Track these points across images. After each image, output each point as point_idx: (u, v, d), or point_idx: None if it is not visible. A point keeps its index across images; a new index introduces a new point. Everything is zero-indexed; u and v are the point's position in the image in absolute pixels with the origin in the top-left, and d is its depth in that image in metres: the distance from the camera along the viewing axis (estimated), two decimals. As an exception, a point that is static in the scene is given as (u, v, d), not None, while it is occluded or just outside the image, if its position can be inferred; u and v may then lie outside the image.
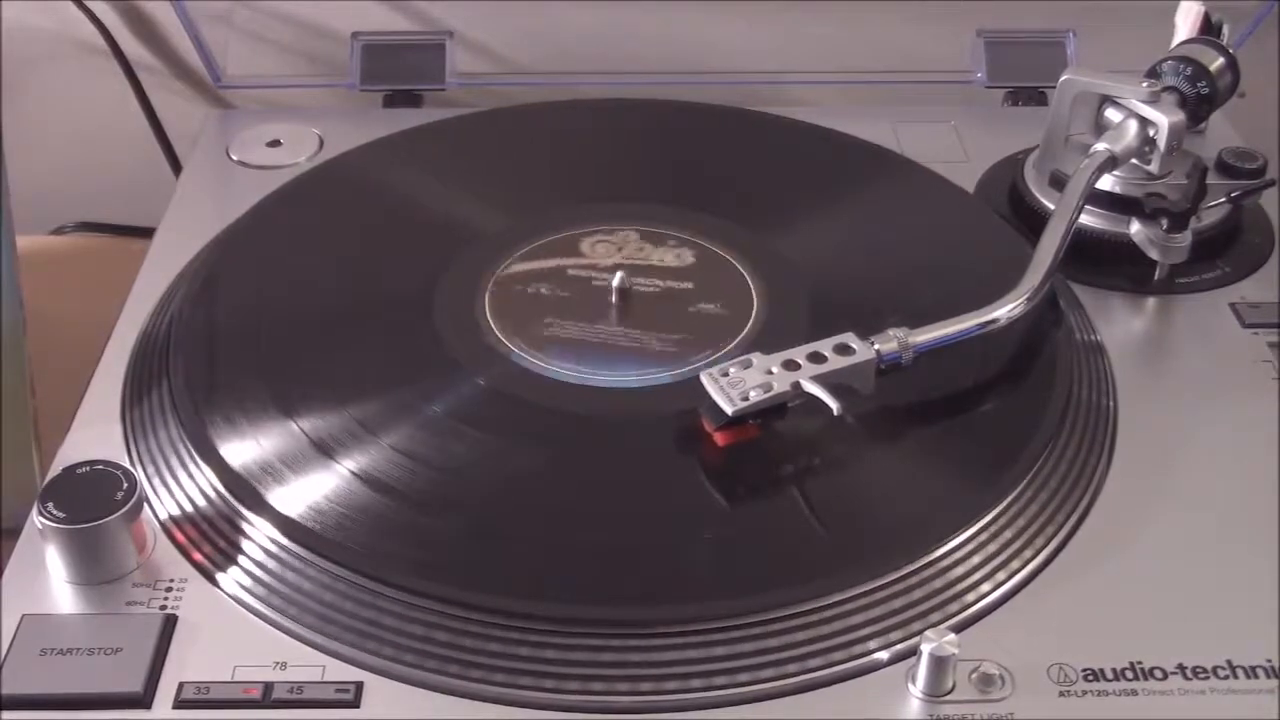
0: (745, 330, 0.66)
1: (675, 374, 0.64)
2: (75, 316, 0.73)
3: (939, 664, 0.51)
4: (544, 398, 0.62)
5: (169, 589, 0.55)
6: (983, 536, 0.56)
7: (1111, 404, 0.64)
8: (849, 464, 0.60)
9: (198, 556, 0.56)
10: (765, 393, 0.58)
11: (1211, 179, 0.73)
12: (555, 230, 0.72)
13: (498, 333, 0.66)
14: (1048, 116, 0.75)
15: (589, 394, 0.63)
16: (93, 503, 0.55)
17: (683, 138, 0.82)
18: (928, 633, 0.51)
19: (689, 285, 0.69)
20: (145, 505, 0.57)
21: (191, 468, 0.59)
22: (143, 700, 0.51)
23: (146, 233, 0.78)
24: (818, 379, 0.59)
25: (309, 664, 0.52)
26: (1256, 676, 0.52)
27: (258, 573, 0.55)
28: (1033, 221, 0.72)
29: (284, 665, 0.52)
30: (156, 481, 0.59)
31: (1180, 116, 0.71)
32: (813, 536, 0.56)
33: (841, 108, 0.88)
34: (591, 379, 0.63)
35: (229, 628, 0.54)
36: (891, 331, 0.61)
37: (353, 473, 0.58)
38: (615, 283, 0.68)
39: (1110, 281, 0.72)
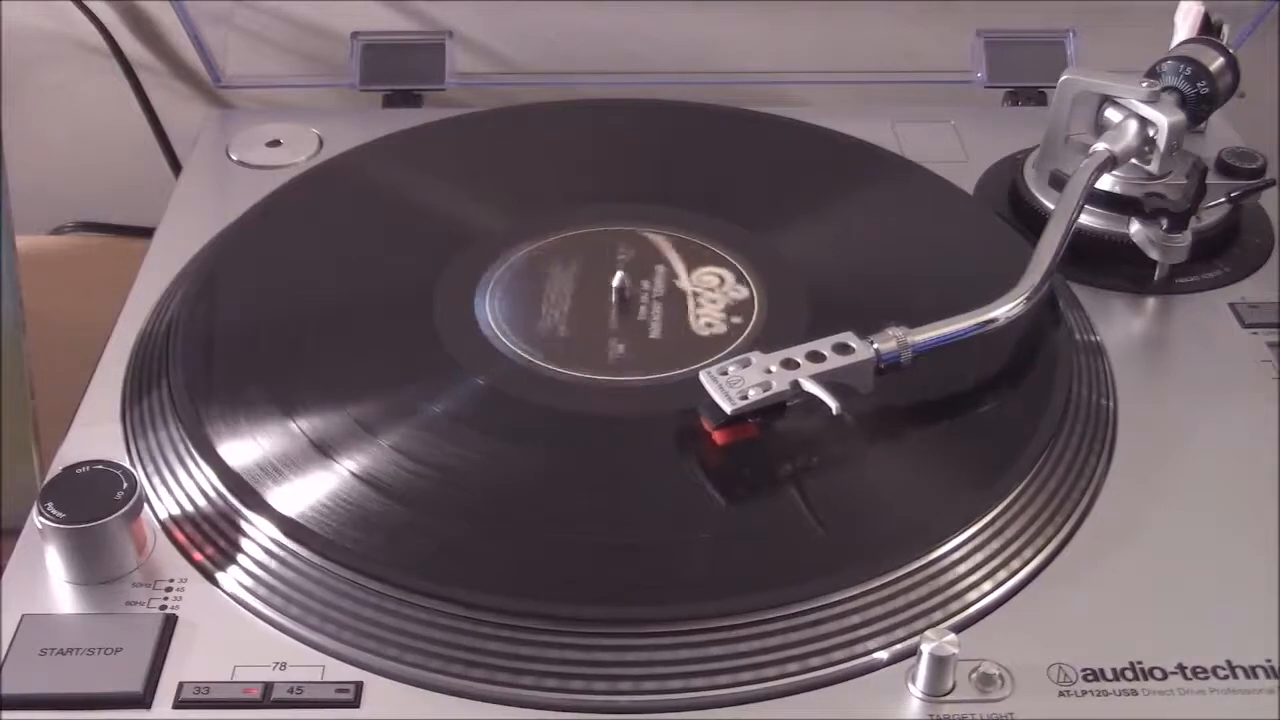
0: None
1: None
2: (75, 316, 0.73)
3: (939, 664, 0.51)
4: (543, 397, 0.62)
5: (169, 589, 0.55)
6: (983, 536, 0.56)
7: (1111, 404, 0.64)
8: (848, 463, 0.60)
9: (198, 556, 0.56)
10: (764, 391, 0.58)
11: (1211, 179, 0.73)
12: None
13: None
14: (1048, 116, 0.75)
15: (588, 393, 0.63)
16: (93, 503, 0.55)
17: (683, 138, 0.82)
18: (928, 633, 0.51)
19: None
20: (145, 505, 0.57)
21: (191, 468, 0.59)
22: (143, 700, 0.51)
23: (146, 233, 0.78)
24: (817, 378, 0.59)
25: (309, 664, 0.52)
26: (1256, 676, 0.52)
27: (258, 572, 0.55)
28: (1032, 221, 0.72)
29: (284, 665, 0.52)
30: (156, 481, 0.59)
31: (1180, 116, 0.71)
32: (812, 536, 0.56)
33: (841, 108, 0.88)
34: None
35: (229, 628, 0.54)
36: (890, 331, 0.61)
37: (352, 473, 0.58)
38: (615, 283, 0.68)
39: (1110, 281, 0.72)
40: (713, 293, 0.69)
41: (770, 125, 0.82)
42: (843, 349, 0.60)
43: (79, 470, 0.56)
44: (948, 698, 0.51)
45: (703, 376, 0.59)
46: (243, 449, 0.59)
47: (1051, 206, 0.70)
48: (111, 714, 0.51)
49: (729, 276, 0.70)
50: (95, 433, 0.62)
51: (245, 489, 0.57)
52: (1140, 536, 0.58)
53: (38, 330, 0.66)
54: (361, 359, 0.65)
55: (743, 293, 0.69)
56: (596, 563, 0.56)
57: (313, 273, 0.71)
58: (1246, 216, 0.75)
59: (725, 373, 0.59)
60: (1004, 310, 0.63)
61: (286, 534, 0.56)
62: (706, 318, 0.67)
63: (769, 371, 0.59)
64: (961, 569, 0.55)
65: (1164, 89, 0.73)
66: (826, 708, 0.51)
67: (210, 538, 0.57)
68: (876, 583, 0.54)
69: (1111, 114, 0.73)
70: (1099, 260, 0.72)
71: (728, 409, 0.58)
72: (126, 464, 0.58)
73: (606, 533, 0.57)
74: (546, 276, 0.70)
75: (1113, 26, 0.90)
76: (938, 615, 0.54)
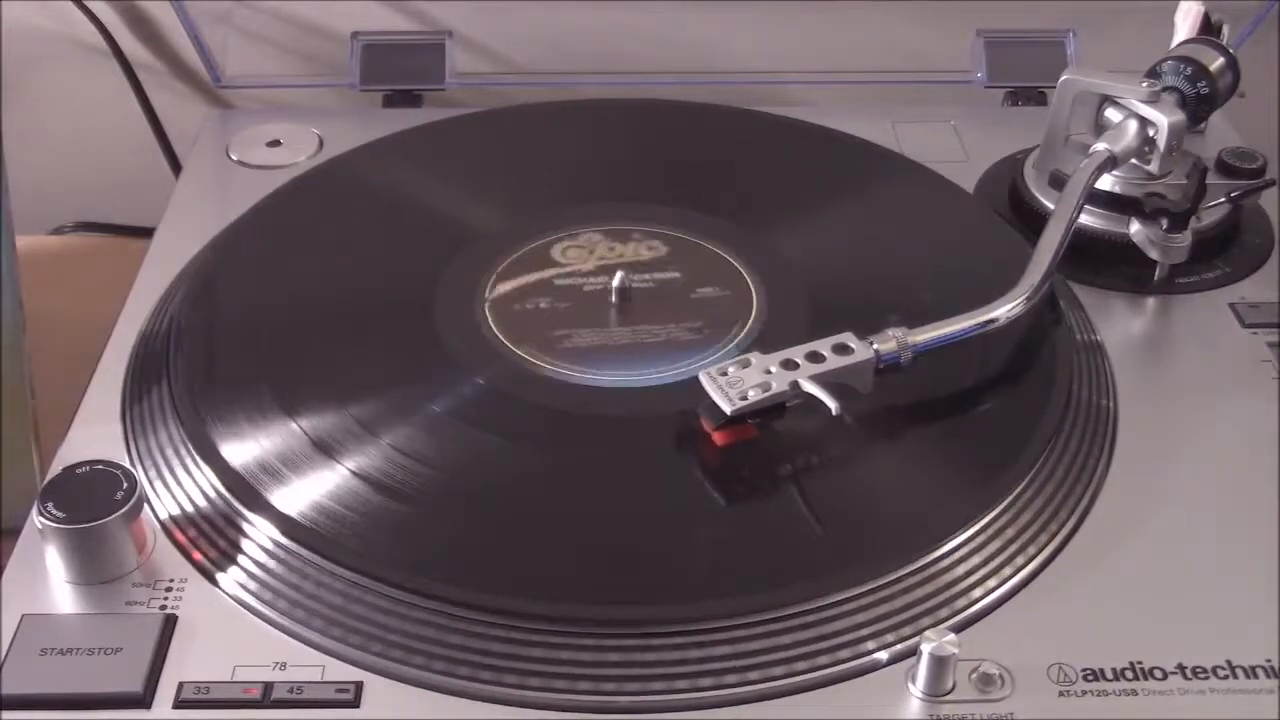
0: (745, 330, 0.66)
1: (674, 373, 0.64)
2: (75, 316, 0.73)
3: (939, 664, 0.51)
4: (543, 397, 0.62)
5: (169, 589, 0.55)
6: (983, 536, 0.56)
7: (1111, 404, 0.64)
8: (848, 464, 0.60)
9: (198, 556, 0.56)
10: (764, 392, 0.58)
11: (1211, 179, 0.73)
12: (554, 230, 0.72)
13: (497, 332, 0.66)
14: (1048, 116, 0.75)
15: (588, 394, 0.63)
16: (93, 503, 0.55)
17: (683, 138, 0.82)
18: (928, 633, 0.51)
19: (688, 284, 0.69)
20: (145, 505, 0.57)
21: (191, 468, 0.59)
22: (143, 700, 0.51)
23: (146, 233, 0.78)
24: (816, 378, 0.59)
25: (309, 664, 0.52)
26: (1256, 676, 0.52)
27: (258, 573, 0.55)
28: (1033, 221, 0.72)
29: (284, 665, 0.52)
30: (156, 481, 0.59)
31: (1180, 116, 0.71)
32: (812, 536, 0.56)
33: (841, 108, 0.88)
34: (590, 379, 0.63)
35: (229, 628, 0.54)
36: (890, 331, 0.61)
37: (352, 473, 0.58)
38: (615, 282, 0.68)
39: (1110, 281, 0.72)
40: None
41: (770, 125, 0.82)
42: (842, 349, 0.60)
43: (79, 470, 0.56)
44: (948, 698, 0.51)
45: (702, 377, 0.59)
46: (243, 449, 0.59)
47: (1051, 206, 0.70)
48: (111, 714, 0.51)
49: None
50: (95, 433, 0.62)
51: (245, 489, 0.57)
52: (1140, 536, 0.58)
53: (38, 330, 0.66)
54: (362, 359, 0.65)
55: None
56: (596, 563, 0.56)
57: (313, 273, 0.71)
58: (1246, 216, 0.75)
59: (725, 373, 0.59)
60: (1004, 310, 0.63)
61: (286, 534, 0.56)
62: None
63: (768, 372, 0.59)
64: (961, 569, 0.55)
65: (1164, 89, 0.73)
66: (826, 708, 0.51)
67: (210, 538, 0.57)
68: (876, 583, 0.54)
69: (1111, 114, 0.73)
70: (1099, 260, 0.72)
71: (727, 409, 0.58)
72: (126, 464, 0.58)
73: (606, 533, 0.57)
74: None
75: (1113, 26, 0.90)
76: (938, 615, 0.54)
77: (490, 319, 0.66)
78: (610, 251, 0.71)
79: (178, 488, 0.59)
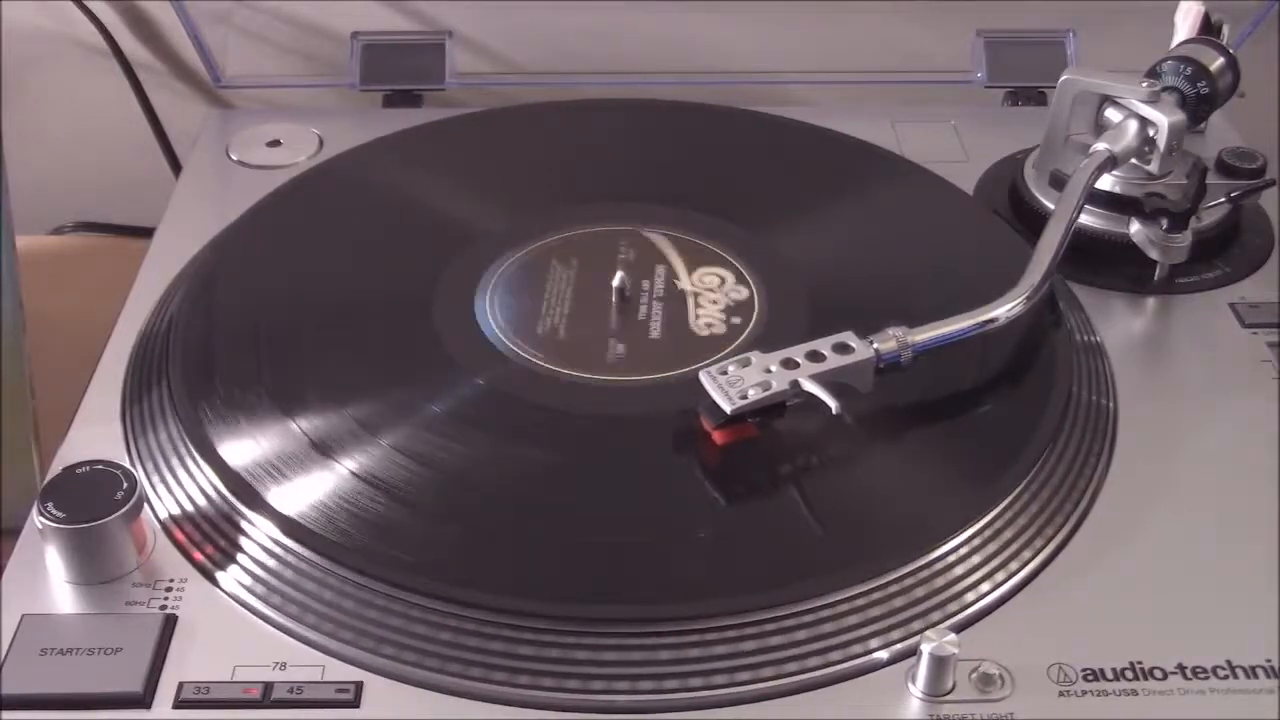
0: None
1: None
2: (75, 316, 0.73)
3: (939, 664, 0.51)
4: (543, 397, 0.62)
5: (169, 589, 0.55)
6: (983, 536, 0.56)
7: (1111, 404, 0.64)
8: (848, 463, 0.60)
9: (198, 556, 0.56)
10: (764, 391, 0.58)
11: (1211, 179, 0.73)
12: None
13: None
14: (1048, 116, 0.75)
15: (588, 393, 0.63)
16: (93, 503, 0.55)
17: (683, 138, 0.82)
18: (928, 633, 0.51)
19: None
20: (145, 505, 0.57)
21: (191, 467, 0.59)
22: (143, 700, 0.51)
23: (146, 233, 0.78)
24: (816, 378, 0.59)
25: (309, 664, 0.52)
26: (1256, 676, 0.52)
27: (258, 572, 0.55)
28: (1032, 221, 0.72)
29: (284, 665, 0.52)
30: (156, 481, 0.59)
31: (1180, 116, 0.71)
32: (812, 536, 0.56)
33: (841, 108, 0.88)
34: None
35: (229, 628, 0.54)
36: (890, 331, 0.61)
37: (352, 473, 0.58)
38: (615, 283, 0.68)
39: (1110, 281, 0.72)
40: (713, 293, 0.69)
41: (770, 125, 0.82)
42: (843, 349, 0.60)
43: (79, 470, 0.56)
44: (948, 698, 0.51)
45: (703, 376, 0.59)
46: (243, 449, 0.59)
47: (1051, 206, 0.70)
48: (111, 714, 0.51)
49: (729, 276, 0.70)
50: (95, 433, 0.62)
51: (245, 489, 0.57)
52: (1140, 536, 0.58)
53: (38, 330, 0.66)
54: (361, 359, 0.65)
55: (743, 293, 0.69)
56: (596, 562, 0.56)
57: (312, 273, 0.71)
58: (1246, 216, 0.75)
59: (725, 372, 0.59)
60: (1004, 310, 0.63)
61: (286, 534, 0.56)
62: (706, 318, 0.67)
63: (769, 371, 0.59)
64: (961, 569, 0.55)
65: (1164, 89, 0.73)
66: (826, 708, 0.51)
67: (210, 537, 0.57)
68: (876, 583, 0.54)
69: (1111, 114, 0.73)
70: (1099, 260, 0.72)
71: (727, 409, 0.58)
72: (126, 464, 0.58)
73: (606, 532, 0.57)
74: (546, 277, 0.70)
75: (1113, 26, 0.90)
76: (938, 615, 0.54)
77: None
78: (701, 278, 0.70)
79: (178, 488, 0.59)
